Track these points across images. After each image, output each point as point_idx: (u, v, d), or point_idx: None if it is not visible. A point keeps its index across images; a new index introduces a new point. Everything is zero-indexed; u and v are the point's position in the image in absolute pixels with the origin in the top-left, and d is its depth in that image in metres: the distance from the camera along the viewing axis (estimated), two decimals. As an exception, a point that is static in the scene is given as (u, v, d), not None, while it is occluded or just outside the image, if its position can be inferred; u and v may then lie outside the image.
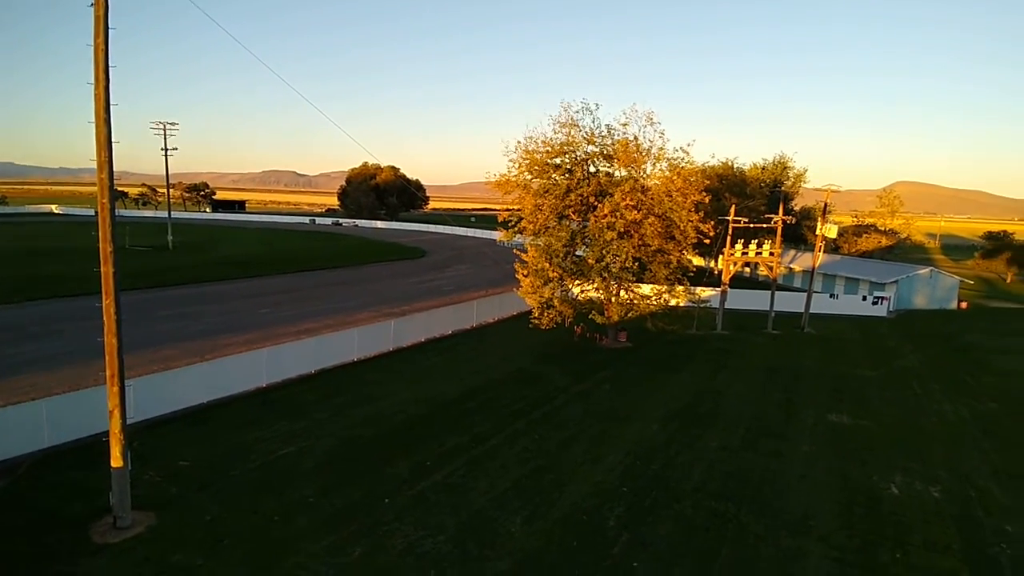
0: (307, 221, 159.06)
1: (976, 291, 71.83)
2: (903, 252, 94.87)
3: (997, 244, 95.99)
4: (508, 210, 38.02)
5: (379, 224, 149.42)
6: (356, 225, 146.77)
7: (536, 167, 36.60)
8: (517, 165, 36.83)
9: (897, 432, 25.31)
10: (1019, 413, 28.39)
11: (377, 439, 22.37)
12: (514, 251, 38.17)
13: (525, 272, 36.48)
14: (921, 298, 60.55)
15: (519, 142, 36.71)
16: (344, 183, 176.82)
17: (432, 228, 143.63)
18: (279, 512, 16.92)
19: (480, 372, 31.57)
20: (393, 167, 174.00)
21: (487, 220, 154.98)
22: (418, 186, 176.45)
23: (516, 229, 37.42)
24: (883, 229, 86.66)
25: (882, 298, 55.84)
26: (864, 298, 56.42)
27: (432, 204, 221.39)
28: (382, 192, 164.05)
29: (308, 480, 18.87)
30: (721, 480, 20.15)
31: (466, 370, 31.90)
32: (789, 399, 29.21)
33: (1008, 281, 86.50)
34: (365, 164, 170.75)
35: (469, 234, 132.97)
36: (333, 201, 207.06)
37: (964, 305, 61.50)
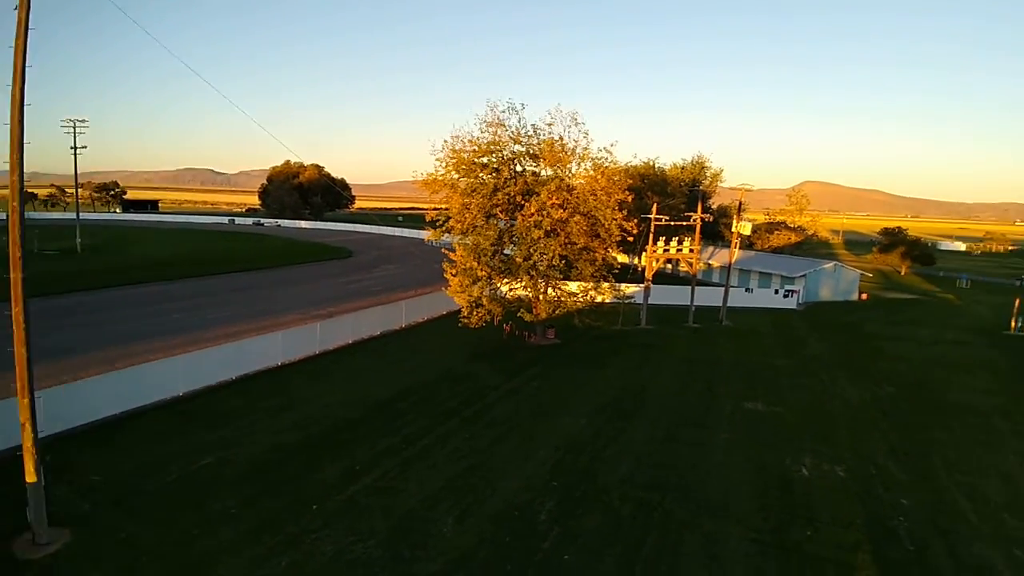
0: (226, 221, 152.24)
1: (875, 283, 77.51)
2: (810, 248, 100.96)
3: (892, 239, 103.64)
4: (436, 209, 37.82)
5: (303, 224, 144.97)
6: (279, 225, 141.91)
7: (463, 166, 36.58)
8: (444, 164, 36.71)
9: (806, 417, 27.00)
10: (912, 396, 30.89)
11: (304, 444, 21.76)
12: (442, 250, 38.03)
13: (454, 271, 36.40)
14: (826, 290, 64.74)
15: (446, 141, 36.61)
16: (265, 182, 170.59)
17: (359, 228, 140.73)
18: (199, 525, 16.18)
19: (410, 372, 31.27)
20: (317, 165, 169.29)
21: (415, 219, 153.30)
22: (343, 185, 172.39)
23: (444, 228, 37.28)
24: (792, 226, 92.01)
25: (792, 291, 59.34)
26: (776, 291, 59.78)
27: (358, 203, 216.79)
28: (306, 191, 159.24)
29: (231, 491, 18.13)
30: (647, 470, 20.87)
31: (396, 371, 31.51)
32: (709, 389, 30.57)
33: (903, 273, 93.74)
34: (287, 162, 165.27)
35: (396, 234, 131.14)
36: (254, 200, 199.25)
37: (864, 296, 66.19)
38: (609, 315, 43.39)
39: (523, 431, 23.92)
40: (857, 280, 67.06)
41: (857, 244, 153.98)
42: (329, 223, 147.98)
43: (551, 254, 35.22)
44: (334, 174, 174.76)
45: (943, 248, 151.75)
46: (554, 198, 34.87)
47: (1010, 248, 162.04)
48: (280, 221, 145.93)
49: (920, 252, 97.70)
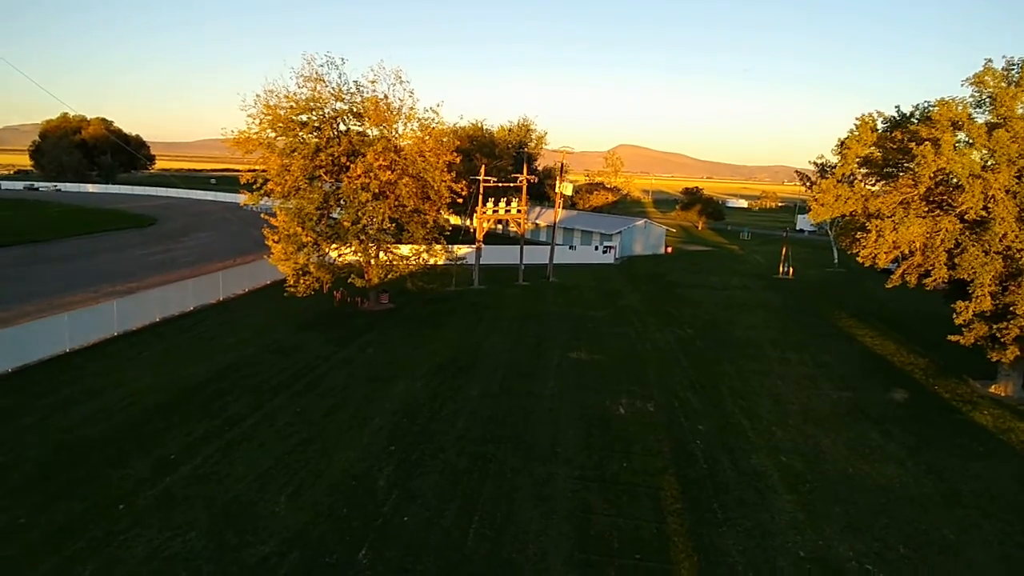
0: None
1: (677, 238, 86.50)
2: (625, 206, 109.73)
3: (692, 198, 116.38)
4: (251, 171, 34.89)
5: (91, 188, 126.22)
6: (58, 189, 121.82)
7: (280, 124, 34.01)
8: (258, 121, 33.84)
9: (622, 361, 29.72)
10: (706, 335, 35.30)
11: (105, 439, 19.41)
12: (262, 215, 35.38)
13: (276, 238, 34.07)
14: (639, 245, 71.06)
15: (258, 96, 33.70)
16: (38, 138, 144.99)
17: (164, 192, 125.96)
18: (-28, 545, 13.87)
19: (231, 349, 29.07)
20: (104, 119, 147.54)
21: (230, 182, 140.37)
22: (139, 143, 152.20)
23: (262, 192, 34.60)
24: (609, 186, 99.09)
25: (610, 247, 64.26)
26: (596, 248, 64.35)
27: (161, 164, 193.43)
28: (91, 149, 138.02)
29: (15, 499, 15.74)
30: (482, 425, 21.69)
31: (214, 348, 29.10)
32: (538, 343, 32.31)
33: (699, 228, 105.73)
34: (65, 115, 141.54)
35: (209, 198, 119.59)
36: (24, 160, 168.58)
37: (670, 250, 73.75)
38: (442, 277, 43.66)
39: (359, 399, 23.52)
40: (664, 235, 74.36)
41: (663, 202, 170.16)
42: (125, 187, 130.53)
43: (380, 217, 34.37)
44: (128, 130, 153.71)
45: (731, 205, 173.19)
46: (381, 159, 33.83)
47: (780, 204, 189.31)
48: (60, 184, 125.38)
49: (713, 209, 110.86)
